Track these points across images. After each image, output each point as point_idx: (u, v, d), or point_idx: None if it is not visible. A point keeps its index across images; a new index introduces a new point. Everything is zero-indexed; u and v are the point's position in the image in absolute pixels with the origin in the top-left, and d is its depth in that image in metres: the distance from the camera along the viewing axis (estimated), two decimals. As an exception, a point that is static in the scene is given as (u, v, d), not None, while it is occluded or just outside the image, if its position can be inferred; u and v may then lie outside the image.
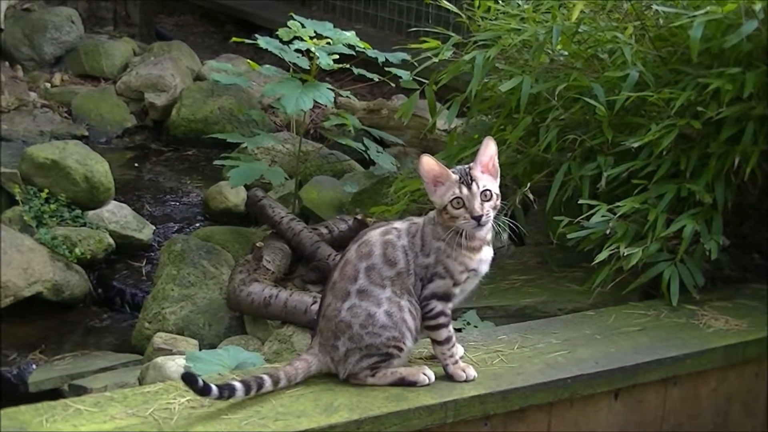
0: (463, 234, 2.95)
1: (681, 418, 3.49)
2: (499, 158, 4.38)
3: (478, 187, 2.94)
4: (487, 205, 2.94)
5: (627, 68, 4.14)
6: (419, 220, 3.07)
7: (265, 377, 2.82)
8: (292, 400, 2.81)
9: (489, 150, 3.04)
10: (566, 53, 4.60)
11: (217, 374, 3.06)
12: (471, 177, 2.95)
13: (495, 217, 3.00)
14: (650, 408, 3.41)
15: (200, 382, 2.67)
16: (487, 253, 3.06)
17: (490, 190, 2.96)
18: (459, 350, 3.09)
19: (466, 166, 3.01)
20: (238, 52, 9.16)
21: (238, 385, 2.75)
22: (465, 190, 2.93)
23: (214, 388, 2.70)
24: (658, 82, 4.15)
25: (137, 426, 2.63)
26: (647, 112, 4.24)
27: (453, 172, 2.98)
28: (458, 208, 2.93)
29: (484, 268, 3.06)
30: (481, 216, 2.92)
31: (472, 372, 3.04)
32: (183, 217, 7.00)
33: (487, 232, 3.02)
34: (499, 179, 3.06)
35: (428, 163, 2.99)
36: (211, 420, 2.67)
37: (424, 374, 2.98)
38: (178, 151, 8.33)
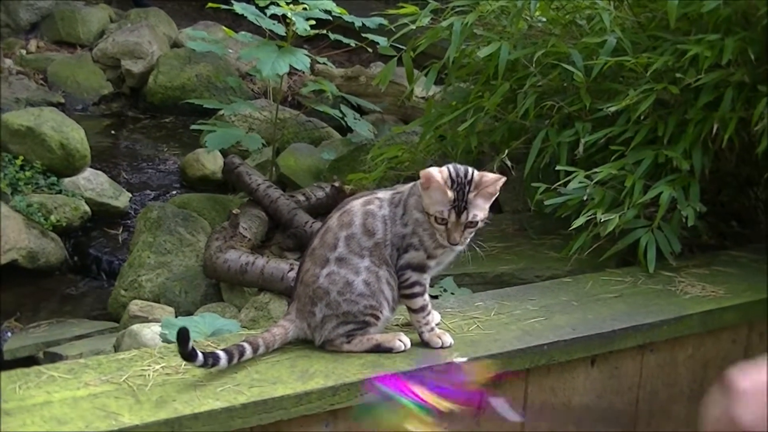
0: None
1: (657, 384, 3.50)
2: (476, 125, 4.46)
3: (467, 217, 2.83)
4: (467, 231, 2.86)
5: (605, 34, 4.12)
6: (405, 188, 3.00)
7: (246, 345, 2.80)
8: (268, 366, 2.79)
9: (496, 186, 2.88)
10: (544, 19, 4.58)
11: (193, 341, 3.03)
12: (465, 204, 2.82)
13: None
14: (627, 374, 3.41)
15: (190, 346, 2.65)
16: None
17: (477, 221, 2.85)
18: (435, 317, 3.07)
19: (469, 178, 2.84)
20: (215, 19, 9.11)
21: (221, 354, 2.74)
22: (453, 216, 2.82)
23: (200, 355, 2.68)
24: (636, 48, 4.13)
25: (111, 393, 2.61)
26: (625, 78, 4.23)
27: (449, 190, 2.82)
28: (440, 224, 2.85)
29: (460, 246, 2.96)
30: (457, 244, 2.85)
31: (448, 339, 3.02)
32: (160, 185, 6.97)
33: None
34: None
35: (435, 180, 2.82)
36: (186, 387, 2.66)
37: (400, 341, 2.97)
38: (155, 119, 8.29)
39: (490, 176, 2.87)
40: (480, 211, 2.84)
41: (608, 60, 4.01)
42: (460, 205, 2.81)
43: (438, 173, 2.82)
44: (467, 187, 2.83)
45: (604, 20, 4.12)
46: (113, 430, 2.45)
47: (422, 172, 2.84)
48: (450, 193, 2.81)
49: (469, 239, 2.89)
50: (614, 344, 3.32)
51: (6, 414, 2.46)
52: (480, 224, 2.87)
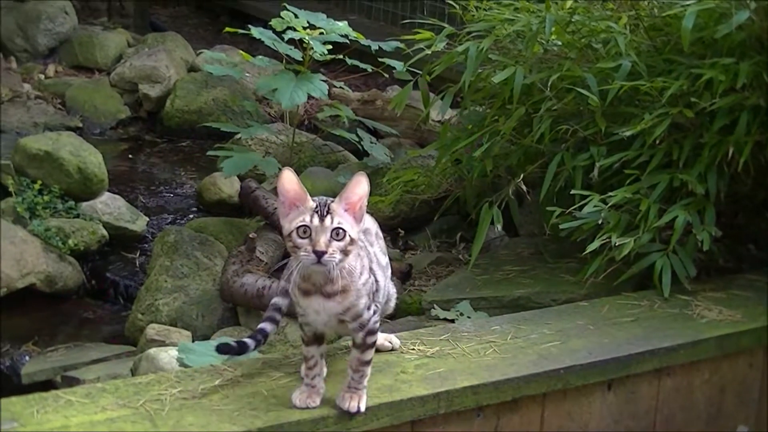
0: (298, 268, 2.65)
1: (674, 408, 3.49)
2: (492, 149, 4.46)
3: (332, 222, 2.61)
4: (335, 244, 2.60)
5: (620, 58, 4.13)
6: None
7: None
8: (284, 390, 2.80)
9: (359, 188, 2.70)
10: (560, 43, 4.60)
11: (209, 365, 3.05)
12: (328, 209, 2.63)
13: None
14: (643, 399, 3.41)
15: (235, 346, 2.84)
16: (319, 304, 2.70)
17: (344, 230, 2.61)
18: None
19: (331, 198, 2.68)
20: (232, 43, 9.14)
21: (264, 325, 2.93)
22: (316, 220, 2.61)
23: (248, 341, 2.87)
24: (651, 72, 4.14)
25: (128, 417, 2.62)
26: (640, 101, 4.24)
27: (312, 200, 2.67)
28: (303, 238, 2.61)
29: (315, 318, 2.73)
30: (324, 253, 2.58)
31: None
32: (177, 209, 6.98)
33: (325, 279, 2.66)
34: (363, 224, 2.73)
35: (290, 180, 2.69)
36: (203, 411, 2.67)
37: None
38: (172, 143, 8.30)
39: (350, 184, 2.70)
40: (346, 222, 2.62)
41: (623, 84, 4.02)
42: (323, 210, 2.63)
43: (297, 181, 2.69)
44: (329, 199, 2.67)
45: (620, 44, 4.14)
46: (130, 454, 2.47)
47: (282, 173, 2.70)
48: (311, 202, 2.66)
49: (337, 259, 2.60)
50: (631, 368, 3.32)
51: (24, 438, 2.48)
52: (348, 244, 2.62)
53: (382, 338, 3.10)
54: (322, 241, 2.59)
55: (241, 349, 2.87)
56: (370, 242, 2.84)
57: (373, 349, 2.78)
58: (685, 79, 3.95)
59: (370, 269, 2.75)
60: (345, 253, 2.62)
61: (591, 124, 4.19)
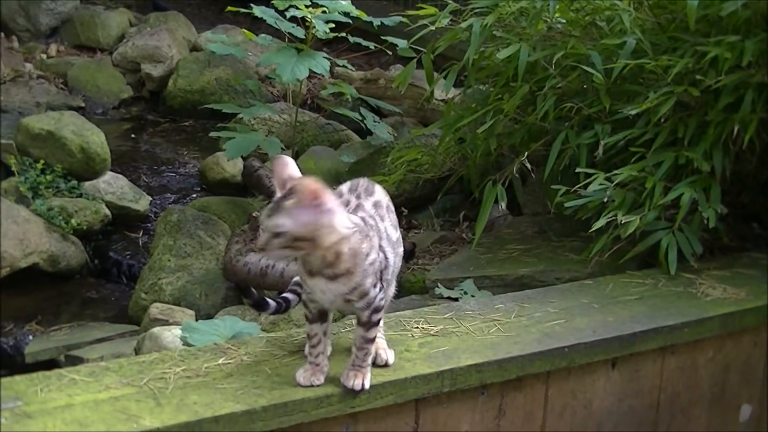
0: None
1: (678, 387, 3.49)
2: (496, 127, 4.45)
3: (272, 223, 2.52)
4: (275, 241, 2.51)
5: (625, 36, 4.11)
6: None
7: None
8: (288, 369, 2.79)
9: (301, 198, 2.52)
10: (564, 21, 4.57)
11: (213, 344, 3.04)
12: (277, 206, 2.53)
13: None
14: (647, 377, 3.41)
15: (257, 296, 2.88)
16: (324, 285, 2.63)
17: (282, 233, 2.50)
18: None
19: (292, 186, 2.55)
20: (234, 23, 9.11)
21: (288, 295, 2.96)
22: (264, 214, 2.56)
23: (271, 302, 2.92)
24: (655, 49, 4.12)
25: (132, 395, 2.62)
26: (645, 80, 4.22)
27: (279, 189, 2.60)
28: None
29: (321, 297, 2.68)
30: (263, 249, 2.55)
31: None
32: (180, 188, 6.98)
33: (323, 263, 2.59)
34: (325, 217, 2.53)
35: (284, 163, 2.67)
36: (207, 389, 2.66)
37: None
38: (174, 122, 8.30)
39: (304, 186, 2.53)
40: (290, 222, 2.50)
41: (628, 62, 4.00)
42: (276, 205, 2.55)
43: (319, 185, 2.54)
44: (286, 192, 2.56)
45: (624, 21, 4.11)
46: (134, 432, 2.46)
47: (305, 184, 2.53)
48: (279, 192, 2.61)
49: (277, 254, 2.56)
50: (635, 346, 3.31)
51: (28, 417, 2.48)
52: (292, 241, 2.52)
53: (383, 346, 2.93)
54: (262, 239, 2.54)
55: (261, 305, 2.94)
56: (381, 216, 2.75)
57: (378, 327, 2.76)
58: (690, 57, 3.92)
59: (380, 247, 2.70)
60: (294, 248, 2.55)
61: (595, 102, 4.17)
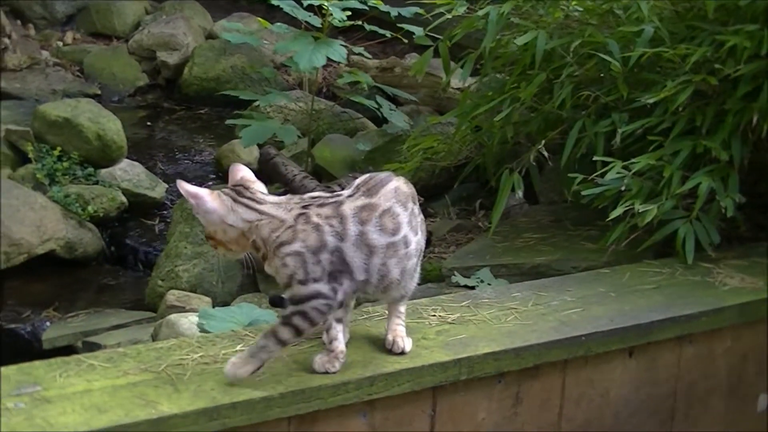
0: None
1: (695, 376, 3.48)
2: (512, 115, 4.44)
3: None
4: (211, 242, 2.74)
5: (642, 24, 4.10)
6: None
7: None
8: (306, 356, 2.80)
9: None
10: (581, 9, 4.56)
11: (230, 331, 3.05)
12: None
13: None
14: (664, 366, 3.40)
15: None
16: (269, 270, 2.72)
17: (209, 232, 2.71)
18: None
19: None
20: (249, 11, 9.11)
21: None
22: None
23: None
24: (673, 38, 4.10)
25: (150, 381, 2.62)
26: (662, 68, 4.20)
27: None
28: None
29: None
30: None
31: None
32: (195, 176, 6.99)
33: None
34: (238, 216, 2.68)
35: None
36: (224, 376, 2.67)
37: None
38: (190, 110, 8.31)
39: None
40: (208, 217, 2.67)
41: (646, 51, 3.99)
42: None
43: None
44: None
45: (642, 9, 4.10)
46: (152, 418, 2.46)
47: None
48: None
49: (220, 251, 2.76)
50: (652, 336, 3.31)
51: (47, 401, 2.49)
52: (219, 237, 2.70)
53: (401, 334, 2.90)
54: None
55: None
56: (363, 220, 2.65)
57: (293, 330, 2.63)
58: (708, 46, 3.91)
59: (336, 248, 2.62)
60: (225, 245, 2.71)
61: (613, 90, 4.15)
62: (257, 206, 2.67)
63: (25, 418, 2.41)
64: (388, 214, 2.68)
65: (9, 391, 2.52)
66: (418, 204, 2.80)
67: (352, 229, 2.64)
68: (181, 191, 2.63)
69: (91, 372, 2.66)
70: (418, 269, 2.84)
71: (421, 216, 2.83)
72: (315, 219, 2.63)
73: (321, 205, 2.66)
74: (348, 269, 2.64)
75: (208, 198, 2.64)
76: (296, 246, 2.61)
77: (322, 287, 2.61)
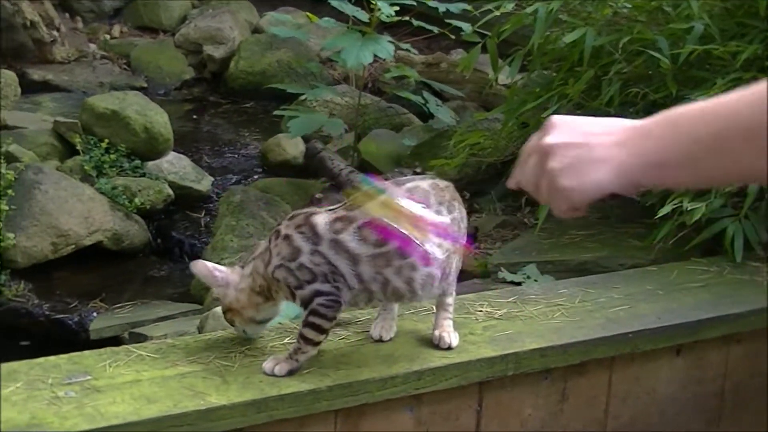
0: None
1: (743, 375, 3.46)
2: (559, 112, 4.42)
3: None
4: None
5: (692, 21, 4.08)
6: None
7: None
8: (353, 350, 2.81)
9: None
10: (629, 6, 4.54)
11: (277, 323, 3.06)
12: None
13: None
14: (712, 365, 3.38)
15: None
16: None
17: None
18: None
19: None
20: (296, 5, 9.14)
21: None
22: None
23: None
24: (723, 35, 4.08)
25: (199, 373, 2.64)
26: (712, 65, 4.18)
27: None
28: None
29: None
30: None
31: None
32: (241, 169, 7.03)
33: None
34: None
35: None
36: (272, 368, 2.68)
37: None
38: (236, 104, 8.35)
39: None
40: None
41: (695, 48, 3.96)
42: None
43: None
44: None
45: (692, 6, 4.08)
46: (201, 409, 2.47)
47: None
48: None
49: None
50: (699, 334, 3.29)
51: (97, 391, 2.50)
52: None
53: (448, 329, 2.85)
54: None
55: None
56: (337, 230, 2.56)
57: (314, 329, 2.62)
58: (759, 44, 3.88)
59: (314, 251, 2.56)
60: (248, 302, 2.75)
61: (661, 87, 4.13)
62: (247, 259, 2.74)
63: (76, 407, 2.42)
64: (370, 226, 2.57)
65: (60, 379, 2.54)
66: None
67: (325, 234, 2.56)
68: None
69: (140, 362, 2.67)
70: (453, 268, 2.76)
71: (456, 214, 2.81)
72: (284, 231, 2.61)
73: (291, 218, 2.64)
74: (338, 271, 2.57)
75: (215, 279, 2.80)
76: (276, 261, 2.60)
77: (320, 286, 2.58)
